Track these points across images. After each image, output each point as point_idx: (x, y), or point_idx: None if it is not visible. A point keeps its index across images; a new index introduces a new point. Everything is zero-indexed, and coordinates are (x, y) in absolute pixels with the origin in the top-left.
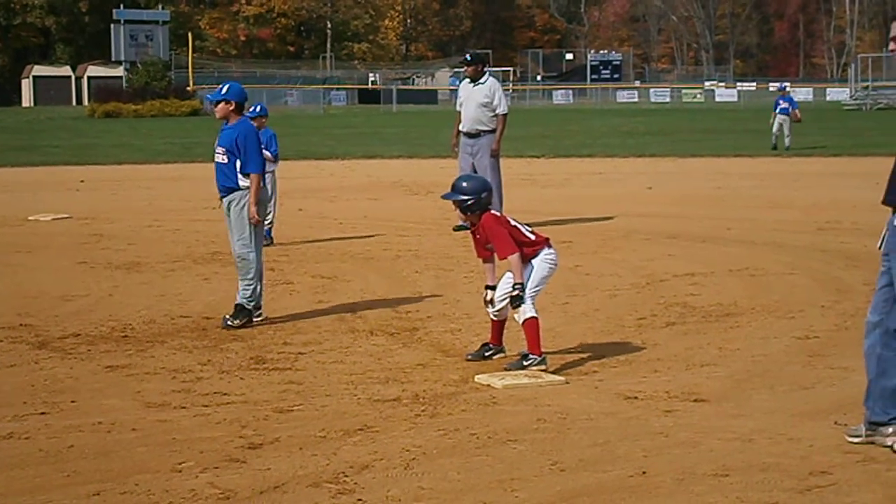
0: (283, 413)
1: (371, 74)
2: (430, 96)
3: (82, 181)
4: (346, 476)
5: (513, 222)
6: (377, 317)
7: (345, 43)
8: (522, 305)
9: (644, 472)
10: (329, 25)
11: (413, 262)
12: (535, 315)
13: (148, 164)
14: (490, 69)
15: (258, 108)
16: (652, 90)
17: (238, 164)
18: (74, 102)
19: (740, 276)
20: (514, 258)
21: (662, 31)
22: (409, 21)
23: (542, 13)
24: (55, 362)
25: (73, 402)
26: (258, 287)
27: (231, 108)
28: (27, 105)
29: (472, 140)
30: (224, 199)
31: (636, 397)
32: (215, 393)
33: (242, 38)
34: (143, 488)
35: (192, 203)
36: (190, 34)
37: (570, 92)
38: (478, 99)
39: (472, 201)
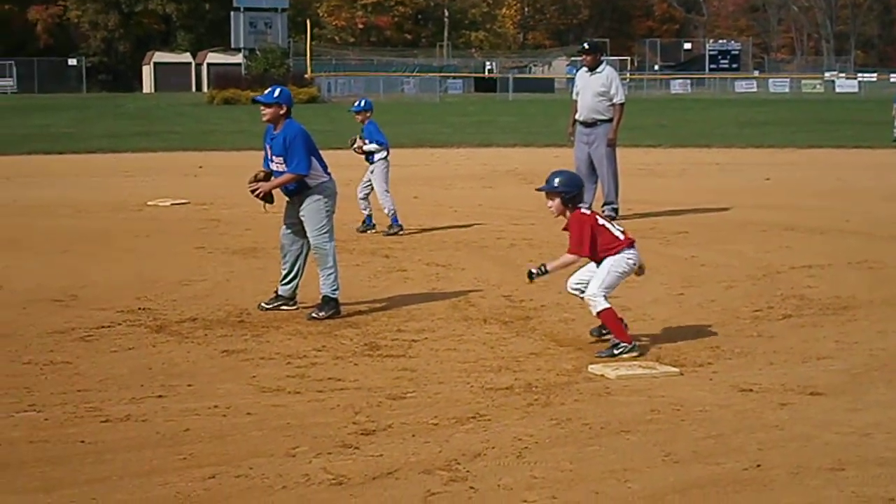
0: (396, 400)
1: (488, 63)
2: (546, 85)
3: (201, 167)
4: (459, 464)
5: (601, 221)
6: (491, 305)
7: (462, 31)
8: (592, 300)
9: (758, 466)
10: (446, 13)
11: (527, 251)
12: (606, 306)
13: None
14: (607, 58)
15: (363, 103)
16: (771, 80)
17: (314, 165)
18: (194, 89)
19: (858, 268)
20: (570, 258)
21: (782, 20)
22: (526, 9)
23: (660, 2)
24: (172, 346)
25: (189, 385)
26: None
27: (282, 111)
28: (148, 91)
29: (589, 129)
30: (295, 202)
31: (751, 390)
32: (329, 379)
33: (360, 26)
34: (257, 472)
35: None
36: (308, 21)
37: (689, 81)
38: (595, 88)
39: (567, 195)
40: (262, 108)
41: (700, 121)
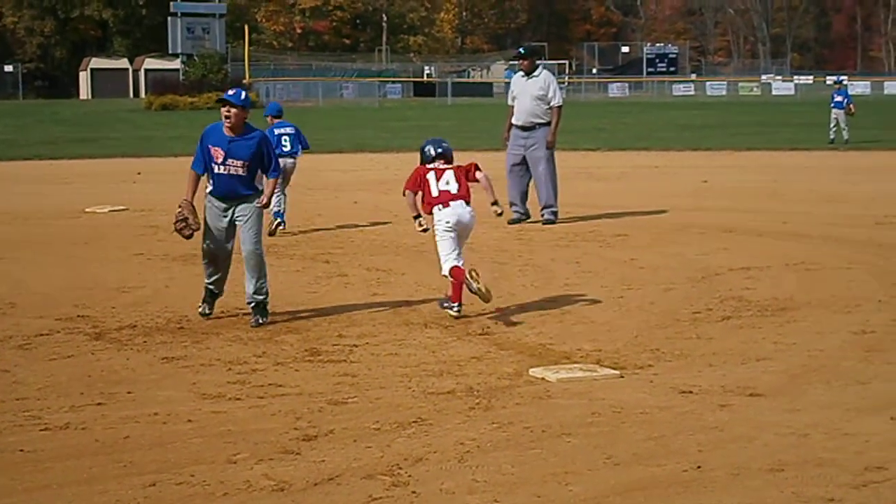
0: (338, 405)
1: (426, 67)
2: (485, 89)
3: (139, 173)
4: (401, 468)
5: (427, 177)
6: (431, 310)
7: (400, 36)
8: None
9: (699, 467)
10: (385, 18)
11: (467, 255)
12: (451, 265)
13: None
14: (545, 62)
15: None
16: (708, 83)
17: (256, 171)
18: (132, 95)
19: (796, 270)
20: (407, 197)
21: (719, 23)
22: (464, 14)
23: (598, 6)
24: (112, 353)
25: (129, 392)
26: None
27: (246, 116)
28: (85, 97)
29: (527, 133)
30: (230, 203)
31: (691, 391)
32: (270, 384)
33: (298, 31)
34: (198, 479)
35: None
36: (246, 27)
37: (626, 85)
38: (532, 92)
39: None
40: (228, 108)
41: (638, 124)
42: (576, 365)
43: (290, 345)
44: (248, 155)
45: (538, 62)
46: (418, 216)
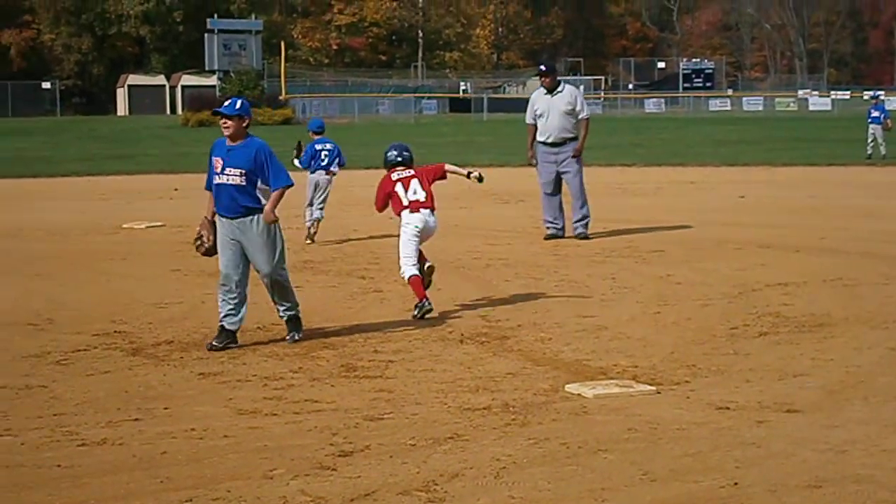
0: (374, 421)
1: (462, 83)
2: (520, 105)
3: (176, 189)
4: (436, 484)
5: (396, 189)
6: (467, 325)
7: (436, 52)
8: (401, 271)
9: (736, 483)
10: (421, 34)
11: (503, 271)
12: (410, 274)
13: None
14: (581, 77)
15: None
16: (745, 99)
17: (258, 183)
18: (168, 111)
19: (834, 286)
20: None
21: (755, 39)
22: (500, 30)
23: (634, 22)
24: (149, 369)
25: (166, 408)
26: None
27: (244, 124)
28: (122, 114)
29: (557, 149)
30: (235, 221)
31: (728, 407)
32: (306, 400)
33: (334, 47)
34: (234, 495)
35: (283, 212)
36: (283, 43)
37: (662, 101)
38: (560, 107)
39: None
40: (223, 120)
41: (674, 140)
42: (612, 381)
43: (326, 360)
44: (244, 162)
45: (559, 78)
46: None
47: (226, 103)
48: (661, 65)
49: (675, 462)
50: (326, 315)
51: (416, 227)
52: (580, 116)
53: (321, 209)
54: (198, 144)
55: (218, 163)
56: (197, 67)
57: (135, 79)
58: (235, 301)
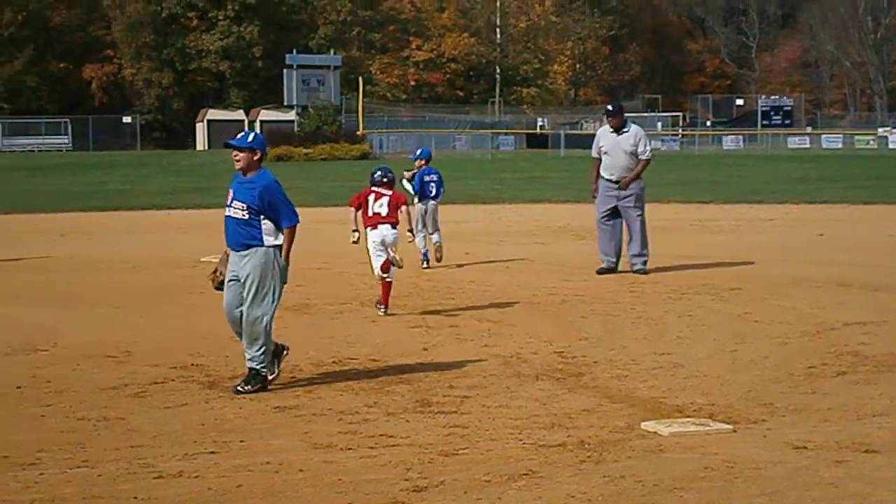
0: (449, 456)
1: (539, 119)
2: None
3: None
4: None
5: (369, 201)
6: (543, 361)
7: (513, 87)
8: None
9: None
10: (498, 70)
11: (579, 307)
12: (380, 278)
13: (317, 206)
14: (659, 114)
15: (419, 153)
16: (824, 136)
17: (261, 220)
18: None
19: None
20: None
21: (835, 76)
22: (578, 66)
23: (712, 58)
24: (225, 402)
25: (241, 441)
26: (270, 347)
27: (256, 157)
28: (201, 148)
29: (618, 187)
30: (237, 255)
31: (805, 447)
32: (381, 435)
33: (412, 83)
34: None
35: (358, 246)
36: (361, 79)
37: (741, 137)
38: (625, 147)
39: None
40: (234, 153)
41: (753, 177)
42: (688, 419)
43: (401, 395)
44: (250, 198)
45: (625, 118)
46: (356, 230)
47: (239, 135)
48: (740, 102)
49: (752, 501)
50: (401, 350)
51: (375, 241)
52: (642, 157)
53: (438, 232)
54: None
55: (229, 195)
56: (276, 102)
57: (214, 113)
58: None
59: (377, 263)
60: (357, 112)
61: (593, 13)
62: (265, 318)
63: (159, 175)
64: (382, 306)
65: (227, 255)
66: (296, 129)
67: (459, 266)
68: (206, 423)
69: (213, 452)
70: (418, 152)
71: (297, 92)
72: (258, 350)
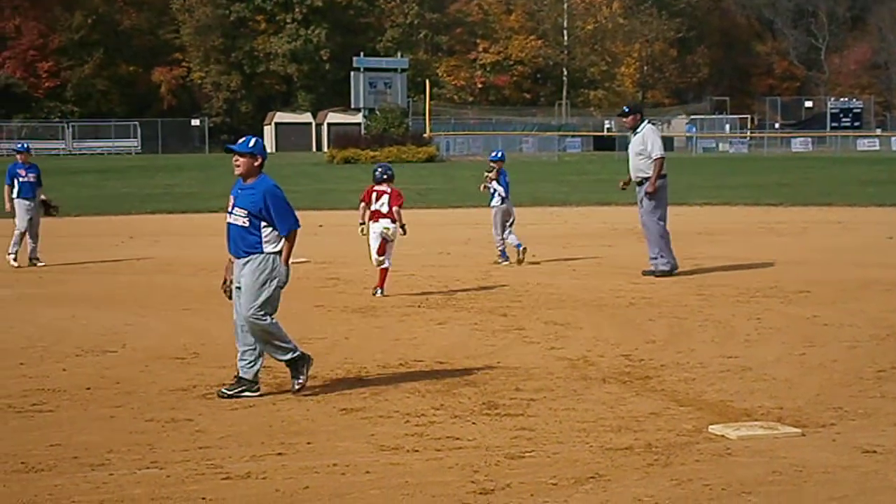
0: (515, 459)
1: (606, 121)
2: (665, 143)
3: (321, 226)
4: None
5: (372, 198)
6: (609, 364)
7: (580, 90)
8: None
9: None
10: (565, 72)
11: (647, 310)
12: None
13: None
14: (727, 116)
15: (499, 154)
16: (893, 139)
17: (262, 227)
18: (314, 148)
19: None
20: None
21: None
22: (645, 68)
23: (781, 60)
24: (292, 404)
25: (308, 443)
26: (260, 359)
27: (256, 163)
28: (269, 151)
29: (639, 188)
30: (238, 262)
31: (875, 451)
32: (447, 437)
33: (479, 85)
34: None
35: (425, 248)
36: (427, 81)
37: (809, 140)
38: (635, 148)
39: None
40: (235, 157)
41: (821, 179)
42: (756, 422)
43: (468, 398)
44: (250, 204)
45: (642, 118)
46: (362, 223)
47: (240, 141)
48: (809, 104)
49: None
50: (468, 352)
51: (375, 233)
52: (652, 156)
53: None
54: (343, 182)
55: (230, 202)
56: (343, 105)
57: (282, 116)
58: (251, 347)
59: (373, 248)
60: (424, 114)
61: (661, 15)
62: (264, 320)
63: (227, 178)
64: (380, 289)
65: (231, 262)
66: (362, 131)
67: (532, 263)
68: (274, 425)
69: (280, 454)
70: (499, 154)
71: (363, 95)
72: (252, 353)
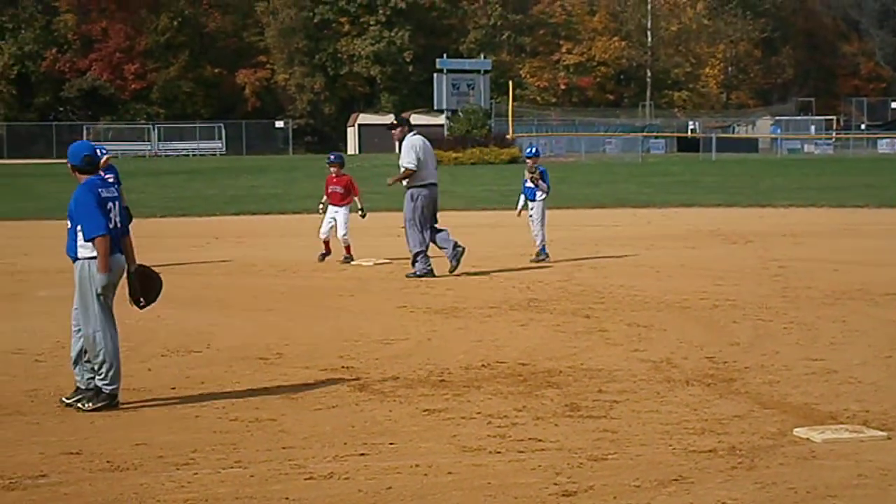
0: (598, 461)
1: (690, 122)
2: (750, 145)
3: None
4: None
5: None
6: (693, 367)
7: (664, 91)
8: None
9: None
10: (649, 74)
11: (731, 312)
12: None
13: (467, 210)
14: (812, 117)
15: (533, 150)
16: None
17: (77, 231)
18: (397, 150)
19: None
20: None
21: None
22: (730, 69)
23: (867, 61)
24: (374, 404)
25: (391, 444)
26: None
27: (72, 170)
28: (353, 152)
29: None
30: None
31: None
32: (530, 439)
33: (562, 87)
34: None
35: (508, 250)
36: (511, 83)
37: None
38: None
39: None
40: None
41: None
42: (842, 426)
43: (550, 399)
44: (70, 206)
45: (407, 131)
46: (322, 203)
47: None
48: (895, 105)
49: None
50: (550, 354)
51: (329, 215)
52: (401, 164)
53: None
54: None
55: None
56: (426, 106)
57: (365, 118)
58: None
59: (324, 229)
60: (507, 116)
61: (745, 16)
62: (97, 335)
63: (310, 179)
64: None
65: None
66: (445, 133)
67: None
68: (356, 426)
69: (362, 454)
70: (533, 150)
71: (447, 96)
72: (100, 369)
